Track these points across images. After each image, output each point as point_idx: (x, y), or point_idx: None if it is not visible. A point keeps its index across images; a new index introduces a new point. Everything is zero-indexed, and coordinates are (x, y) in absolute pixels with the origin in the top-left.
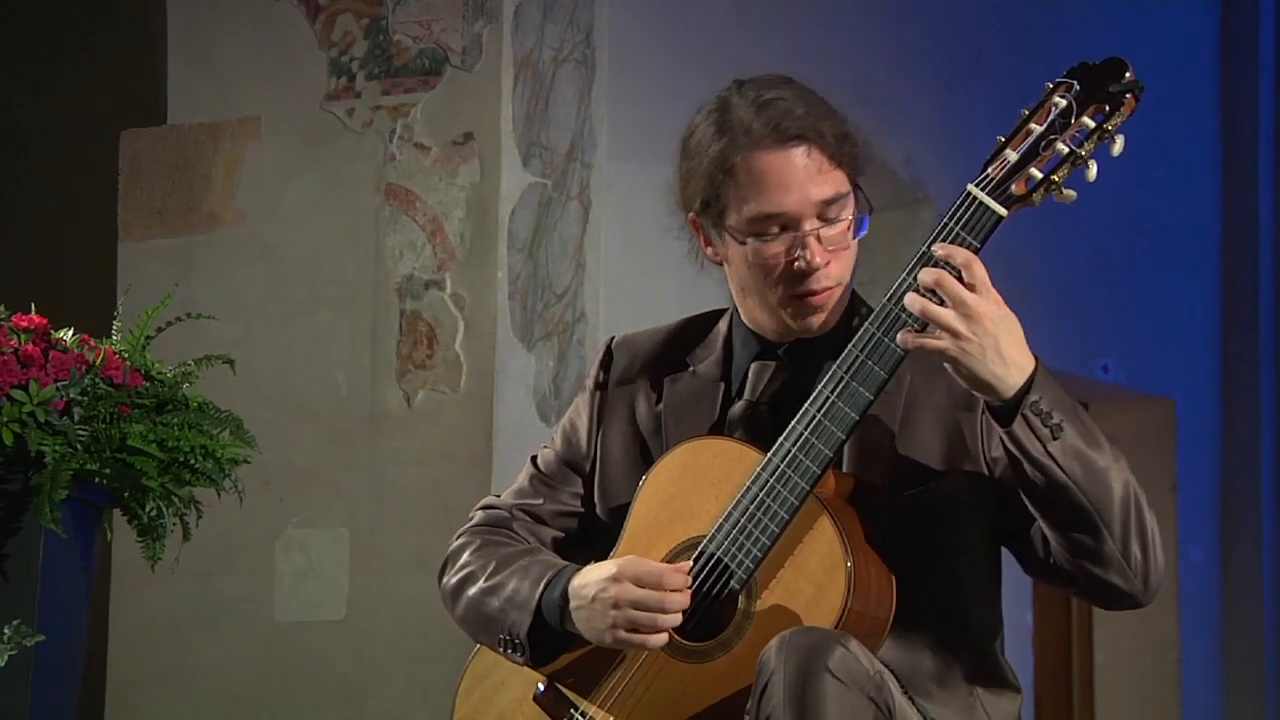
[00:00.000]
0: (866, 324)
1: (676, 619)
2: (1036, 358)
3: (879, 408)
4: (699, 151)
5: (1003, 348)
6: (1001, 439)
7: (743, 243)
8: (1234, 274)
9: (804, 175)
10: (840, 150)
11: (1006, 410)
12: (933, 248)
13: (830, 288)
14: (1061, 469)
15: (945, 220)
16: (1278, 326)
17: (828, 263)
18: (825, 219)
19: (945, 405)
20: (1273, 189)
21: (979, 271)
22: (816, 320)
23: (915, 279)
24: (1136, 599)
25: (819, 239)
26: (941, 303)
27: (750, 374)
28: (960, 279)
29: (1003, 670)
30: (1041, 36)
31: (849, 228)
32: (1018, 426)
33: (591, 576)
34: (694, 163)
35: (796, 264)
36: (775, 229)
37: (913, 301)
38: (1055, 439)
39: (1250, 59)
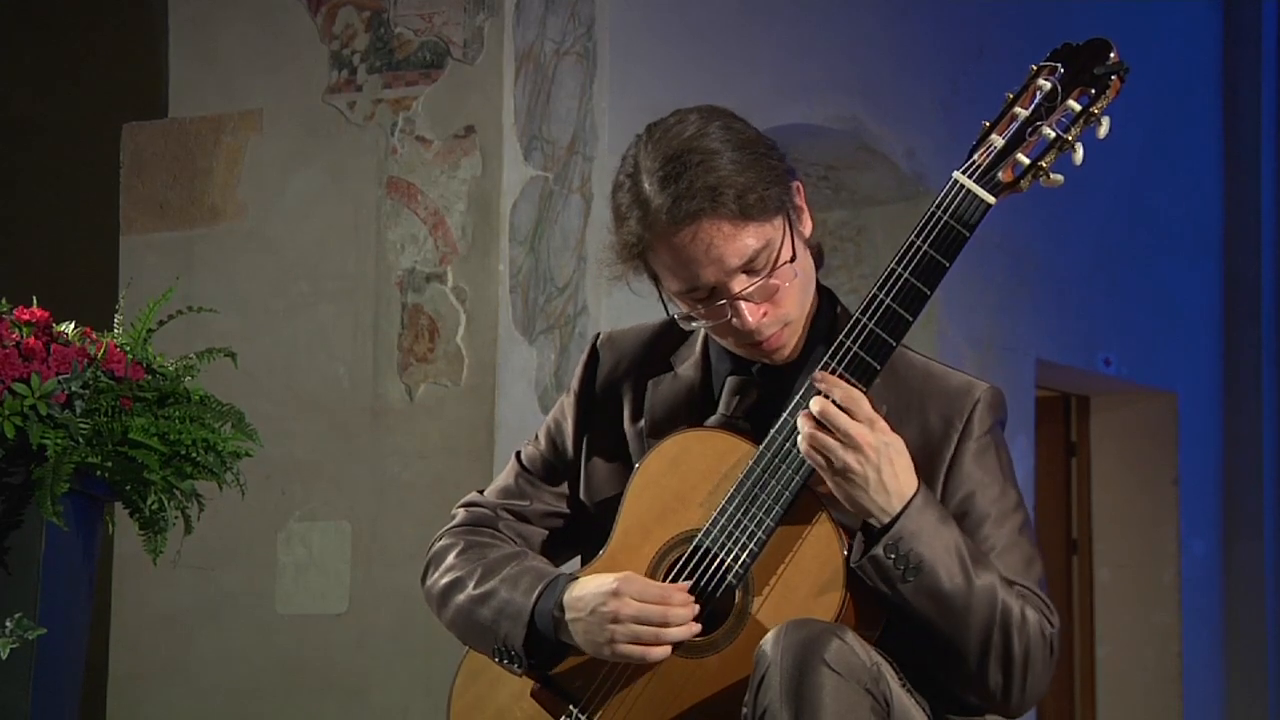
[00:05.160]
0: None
1: (683, 632)
2: (919, 482)
3: None
4: (619, 226)
5: (885, 477)
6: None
7: (684, 309)
8: (1236, 267)
9: (711, 250)
10: (746, 208)
11: (869, 540)
12: (814, 380)
13: (776, 332)
14: (911, 606)
15: (933, 209)
16: (1279, 319)
17: (765, 314)
18: (752, 272)
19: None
20: (1275, 182)
21: (863, 406)
22: (776, 357)
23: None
24: (1000, 712)
25: (750, 298)
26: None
27: (725, 389)
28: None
29: None
30: (1044, 31)
31: (788, 264)
32: (867, 563)
33: (589, 589)
34: (618, 237)
35: (734, 323)
36: (704, 295)
37: (801, 426)
38: (907, 580)
39: (1252, 52)
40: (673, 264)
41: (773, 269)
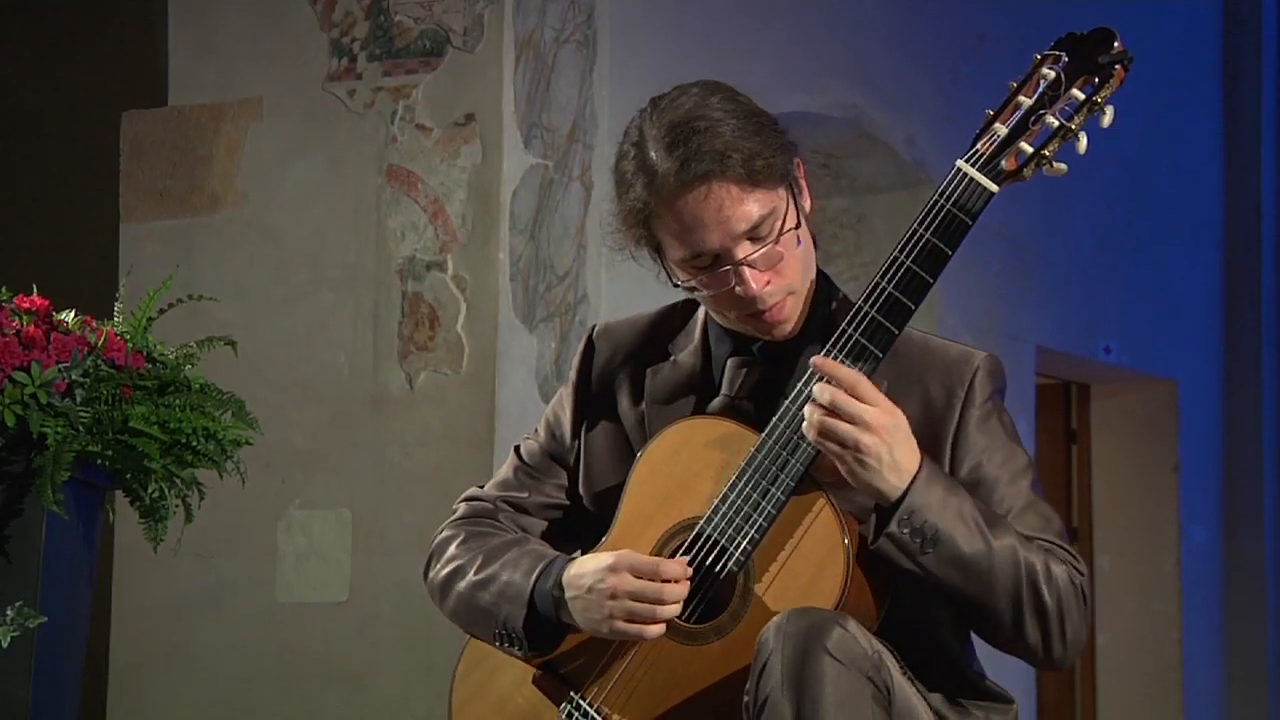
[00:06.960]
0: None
1: (676, 609)
2: (922, 455)
3: None
4: (623, 194)
5: (896, 455)
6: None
7: (685, 277)
8: (1236, 255)
9: (720, 212)
10: (753, 173)
11: (883, 519)
12: (814, 364)
13: (780, 301)
14: (936, 576)
15: (935, 197)
16: (1279, 307)
17: (768, 282)
18: (757, 239)
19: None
20: (1275, 171)
21: (868, 389)
22: (778, 331)
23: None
24: (1046, 666)
25: (754, 264)
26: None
27: (727, 370)
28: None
29: (987, 687)
30: (1044, 19)
31: (792, 234)
32: (885, 541)
33: (587, 567)
34: (621, 205)
35: (737, 290)
36: (708, 263)
37: (810, 413)
38: (926, 552)
39: (1253, 39)
40: (678, 229)
41: (777, 236)
